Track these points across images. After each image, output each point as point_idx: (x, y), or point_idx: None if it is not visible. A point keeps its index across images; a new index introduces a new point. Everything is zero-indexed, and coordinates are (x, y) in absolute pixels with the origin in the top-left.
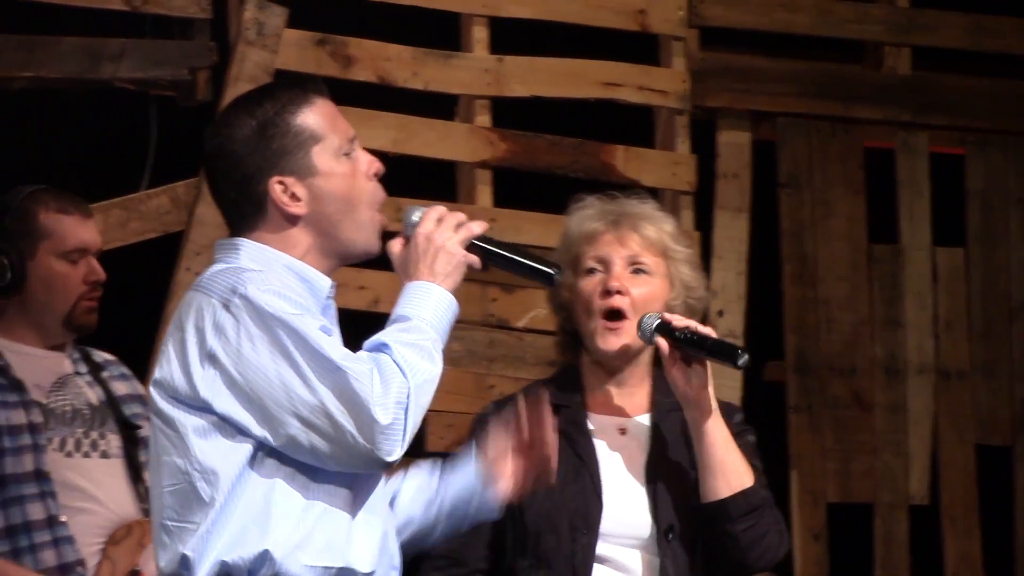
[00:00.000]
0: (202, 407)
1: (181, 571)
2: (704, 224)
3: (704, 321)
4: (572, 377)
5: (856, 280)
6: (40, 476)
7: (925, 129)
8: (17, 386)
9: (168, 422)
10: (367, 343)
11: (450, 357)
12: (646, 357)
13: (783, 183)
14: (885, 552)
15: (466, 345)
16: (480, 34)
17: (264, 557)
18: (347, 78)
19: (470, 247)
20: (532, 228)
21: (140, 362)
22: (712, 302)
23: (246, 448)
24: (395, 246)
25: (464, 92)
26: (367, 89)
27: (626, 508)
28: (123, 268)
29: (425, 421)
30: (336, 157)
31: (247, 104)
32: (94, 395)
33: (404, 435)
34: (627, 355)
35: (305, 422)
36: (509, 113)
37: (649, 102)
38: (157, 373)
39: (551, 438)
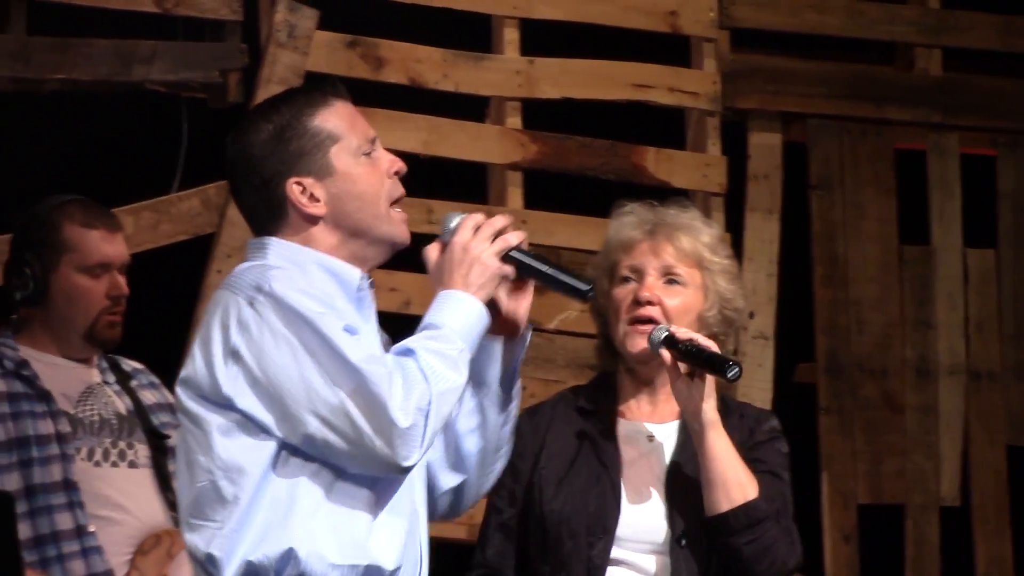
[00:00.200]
0: (225, 404)
1: (209, 569)
2: (735, 226)
3: (738, 329)
4: (607, 384)
5: (887, 281)
6: (68, 486)
7: (956, 130)
8: (45, 396)
9: (194, 420)
10: (394, 348)
11: None
12: (680, 365)
13: (814, 185)
14: (916, 553)
15: None
16: (511, 36)
17: (289, 556)
18: (378, 80)
19: (506, 258)
20: (563, 230)
21: (170, 366)
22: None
23: (269, 446)
24: (431, 252)
25: (495, 94)
26: (398, 91)
27: (643, 513)
28: (154, 271)
29: None
30: (355, 157)
31: (265, 110)
32: (122, 404)
33: (423, 441)
34: (654, 360)
35: (325, 421)
36: (540, 115)
37: (680, 104)
38: (184, 371)
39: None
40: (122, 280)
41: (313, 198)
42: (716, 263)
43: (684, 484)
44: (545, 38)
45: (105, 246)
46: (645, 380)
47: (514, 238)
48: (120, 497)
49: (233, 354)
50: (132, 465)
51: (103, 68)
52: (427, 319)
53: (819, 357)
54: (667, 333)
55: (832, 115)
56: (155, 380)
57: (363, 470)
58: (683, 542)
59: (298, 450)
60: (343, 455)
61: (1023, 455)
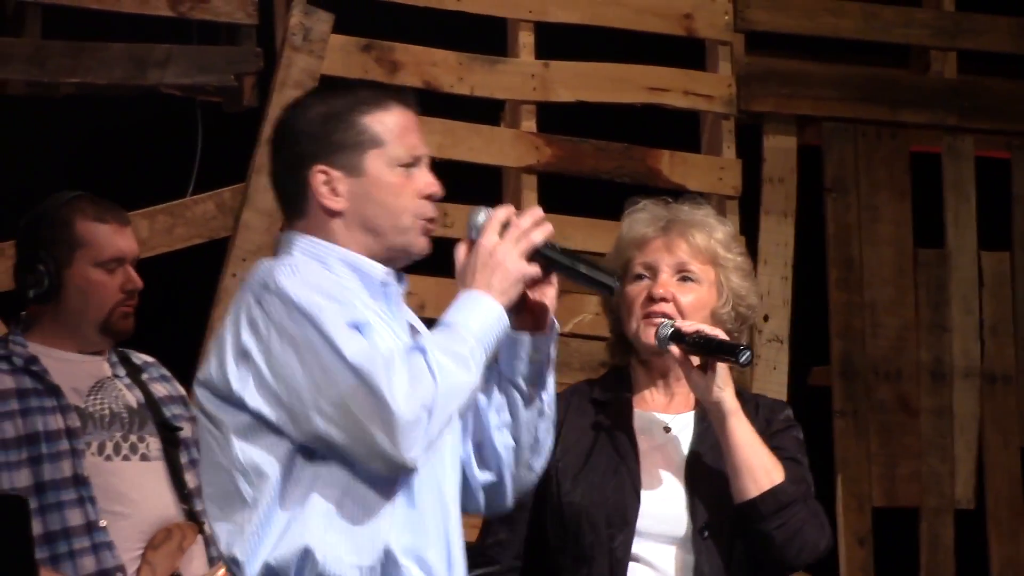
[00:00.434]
0: (239, 405)
1: (234, 570)
2: (750, 229)
3: (752, 328)
4: (621, 377)
5: (902, 284)
6: (79, 481)
7: (971, 133)
8: (54, 391)
9: (212, 421)
10: (407, 345)
11: None
12: (692, 357)
13: (829, 187)
14: (930, 556)
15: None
16: (526, 39)
17: (306, 556)
18: (393, 83)
19: (532, 256)
20: (577, 233)
21: (186, 368)
22: (758, 307)
23: (285, 447)
24: (460, 250)
25: (510, 97)
26: (413, 94)
27: (663, 505)
28: (169, 274)
29: None
30: (391, 167)
31: (325, 93)
32: (133, 398)
33: (427, 437)
34: (667, 353)
35: (329, 419)
36: (555, 118)
37: (695, 107)
38: (201, 371)
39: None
40: (135, 273)
41: (334, 191)
42: (730, 260)
43: (704, 475)
44: (560, 41)
45: (118, 240)
46: (660, 372)
47: (540, 236)
48: (131, 491)
49: (243, 354)
50: (144, 458)
51: (118, 72)
52: (444, 317)
53: (834, 360)
54: (672, 328)
55: (847, 118)
56: (166, 373)
57: (371, 466)
58: (705, 534)
59: (314, 450)
60: (349, 451)
61: None
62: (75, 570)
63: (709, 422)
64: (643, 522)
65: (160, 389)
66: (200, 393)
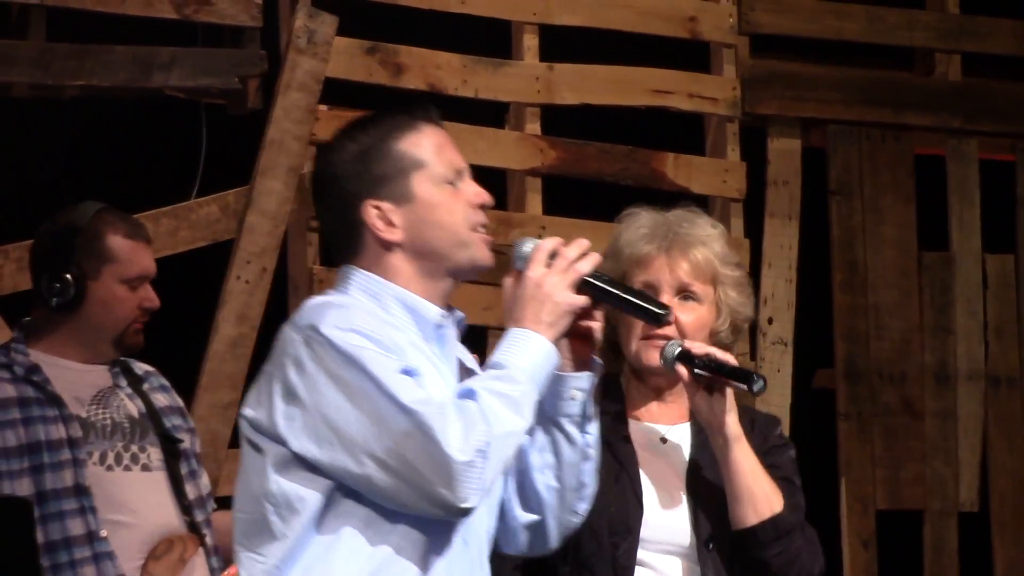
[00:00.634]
0: (281, 442)
1: None
2: (754, 231)
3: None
4: (612, 385)
5: (906, 287)
6: (80, 491)
7: (975, 136)
8: (56, 401)
9: (255, 448)
10: (458, 390)
11: None
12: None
13: (833, 190)
14: (934, 559)
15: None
16: (530, 42)
17: None
18: (397, 86)
19: (580, 287)
20: (581, 236)
21: (189, 372)
22: (762, 310)
23: (323, 486)
24: (508, 282)
25: (514, 100)
26: (417, 97)
27: (666, 515)
28: (173, 277)
29: None
30: (437, 185)
31: (352, 130)
32: (134, 408)
33: (481, 482)
34: (668, 373)
35: (380, 463)
36: (559, 121)
37: (699, 109)
38: (247, 402)
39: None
40: (153, 292)
41: (390, 224)
42: (728, 276)
43: (706, 487)
44: (564, 44)
45: (144, 258)
46: (655, 384)
47: (587, 265)
48: (132, 501)
49: (290, 394)
50: (145, 468)
51: (122, 74)
52: (494, 358)
53: (838, 363)
54: (680, 348)
55: (851, 120)
56: (166, 383)
57: (422, 512)
58: (710, 546)
59: (350, 492)
60: (399, 496)
61: None
62: None
63: (704, 435)
64: (647, 531)
65: (160, 399)
66: (244, 423)
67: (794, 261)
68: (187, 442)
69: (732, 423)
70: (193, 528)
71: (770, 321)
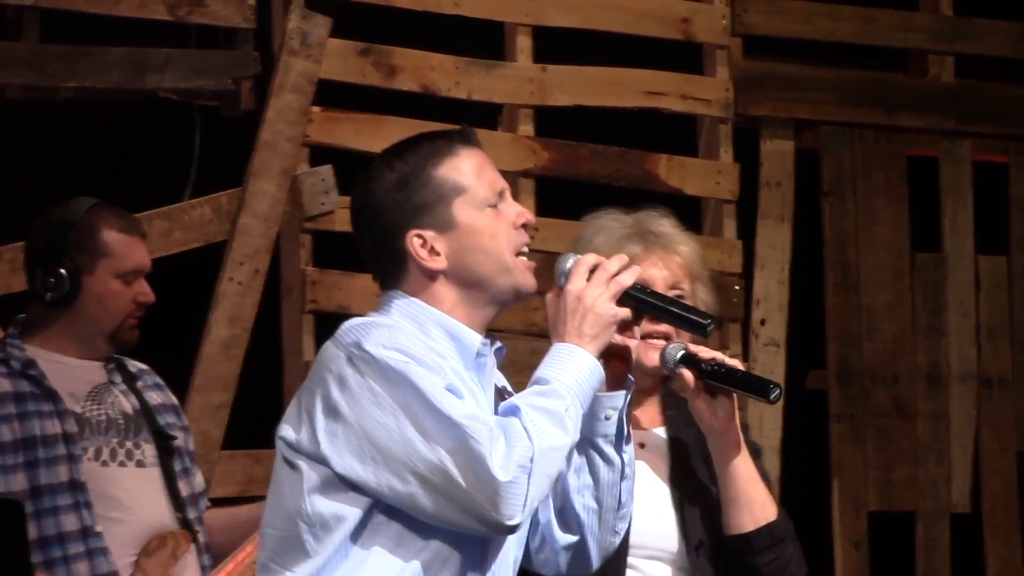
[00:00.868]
0: (322, 461)
1: None
2: (747, 233)
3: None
4: None
5: (899, 289)
6: (75, 486)
7: (968, 137)
8: (51, 396)
9: (291, 466)
10: (502, 406)
11: None
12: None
13: (826, 192)
14: (926, 561)
15: (508, 354)
16: (523, 43)
17: None
18: (390, 87)
19: (621, 299)
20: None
21: (181, 373)
22: (755, 311)
23: (361, 505)
24: (549, 299)
25: (507, 101)
26: (410, 98)
27: (653, 520)
28: (166, 278)
29: None
30: (479, 209)
31: (390, 157)
32: (129, 404)
33: (526, 499)
34: (660, 373)
35: (423, 480)
36: (552, 122)
37: (692, 111)
38: (284, 419)
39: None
40: (148, 287)
41: (434, 252)
42: (702, 275)
43: (690, 492)
44: (557, 45)
45: (139, 253)
46: (638, 389)
47: (628, 278)
48: (127, 497)
49: (332, 411)
50: (140, 464)
51: (116, 76)
52: (538, 373)
53: (830, 364)
54: (684, 351)
55: (844, 122)
56: (160, 381)
57: (466, 529)
58: (699, 552)
59: (385, 508)
60: (443, 513)
61: None
62: (69, 575)
63: (683, 439)
64: (635, 537)
65: (155, 397)
66: (281, 440)
67: (787, 263)
68: (181, 440)
69: (734, 430)
70: (185, 525)
71: (763, 322)
